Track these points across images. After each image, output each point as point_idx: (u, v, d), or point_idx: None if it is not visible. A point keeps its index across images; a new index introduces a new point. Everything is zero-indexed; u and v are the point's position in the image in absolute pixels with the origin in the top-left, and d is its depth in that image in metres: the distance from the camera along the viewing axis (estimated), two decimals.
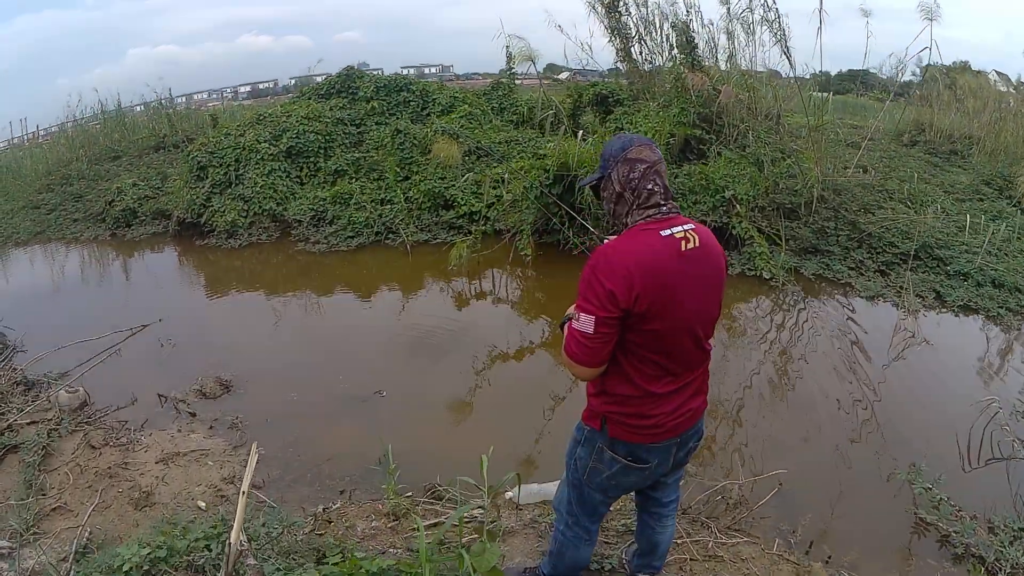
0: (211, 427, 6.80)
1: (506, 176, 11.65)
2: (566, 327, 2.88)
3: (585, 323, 2.68)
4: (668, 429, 2.93)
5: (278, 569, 4.11)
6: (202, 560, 4.13)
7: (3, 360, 8.46)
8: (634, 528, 3.95)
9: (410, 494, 5.43)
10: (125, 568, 3.97)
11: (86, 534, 5.01)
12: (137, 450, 6.35)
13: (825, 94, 14.67)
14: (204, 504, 5.53)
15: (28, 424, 6.83)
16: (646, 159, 2.77)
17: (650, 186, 2.76)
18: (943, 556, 4.60)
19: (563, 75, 20.40)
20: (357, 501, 5.47)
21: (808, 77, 13.45)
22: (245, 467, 6.17)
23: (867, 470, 5.63)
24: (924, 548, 4.69)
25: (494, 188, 12.02)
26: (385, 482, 5.31)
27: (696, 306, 2.79)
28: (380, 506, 5.26)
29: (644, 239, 2.71)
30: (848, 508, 5.10)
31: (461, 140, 14.32)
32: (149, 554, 4.05)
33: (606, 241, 2.86)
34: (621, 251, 2.69)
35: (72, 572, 4.44)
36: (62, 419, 6.87)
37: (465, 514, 4.34)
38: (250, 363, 8.16)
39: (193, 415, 7.02)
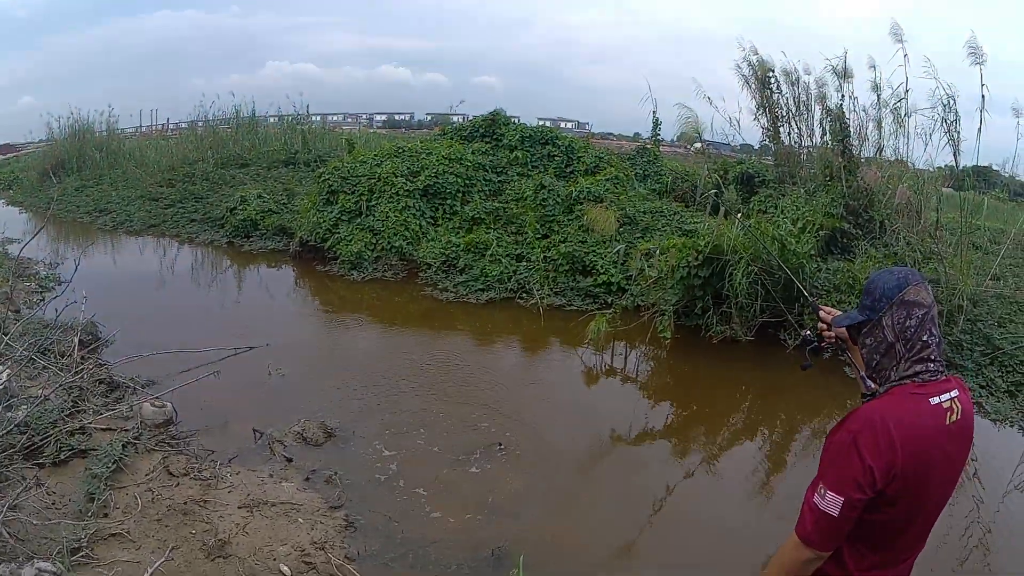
0: (307, 478, 6.33)
1: (657, 252, 11.40)
2: (805, 500, 2.53)
3: (831, 503, 2.38)
4: None
5: None
6: None
7: (89, 352, 8.24)
8: None
9: None
10: None
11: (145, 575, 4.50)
12: (220, 488, 5.92)
13: (968, 193, 13.95)
14: (288, 570, 5.01)
15: (103, 430, 6.52)
16: (923, 302, 2.50)
17: (925, 337, 2.47)
18: None
19: (695, 146, 20.22)
20: None
21: (933, 170, 13.14)
22: (339, 533, 5.79)
23: None
24: None
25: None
26: None
27: (940, 490, 2.54)
28: None
29: (914, 406, 2.42)
30: None
31: (614, 206, 14.08)
32: None
33: (864, 398, 2.61)
34: (890, 421, 2.37)
35: None
36: (141, 433, 6.54)
37: None
38: (360, 411, 7.79)
39: (289, 460, 6.58)
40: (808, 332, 3.17)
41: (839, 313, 2.99)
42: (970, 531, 6.12)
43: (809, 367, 3.19)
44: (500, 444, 7.05)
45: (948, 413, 2.44)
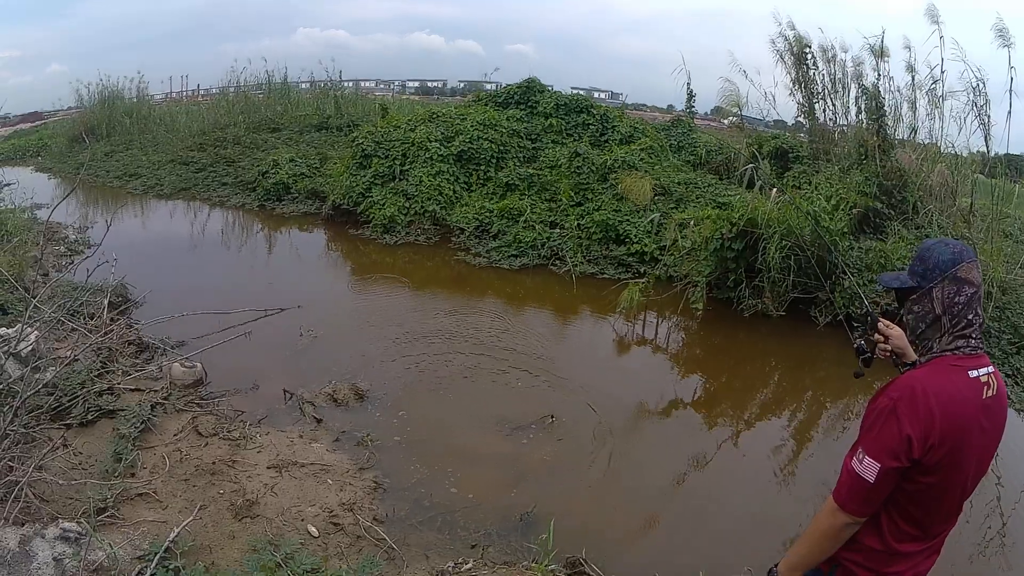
0: (337, 439, 6.30)
1: (691, 223, 11.34)
2: (843, 464, 2.60)
3: (867, 469, 2.46)
4: None
5: None
6: None
7: (118, 313, 8.25)
8: None
9: (552, 567, 4.78)
10: None
11: (172, 534, 4.49)
12: (249, 448, 5.90)
13: (999, 180, 13.81)
14: (316, 530, 4.98)
15: (131, 391, 6.52)
16: (974, 281, 2.56)
17: (970, 316, 2.55)
18: None
19: (730, 119, 20.05)
20: (490, 561, 4.89)
21: (966, 155, 13.26)
22: (368, 494, 5.74)
23: None
24: None
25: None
26: (528, 544, 5.02)
27: (976, 464, 2.59)
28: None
29: (953, 378, 2.51)
30: None
31: (648, 176, 14.00)
32: None
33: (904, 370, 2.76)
34: (930, 390, 2.44)
35: None
36: (170, 394, 6.55)
37: None
38: (391, 374, 7.75)
39: (319, 421, 6.55)
40: (861, 343, 3.18)
41: (897, 330, 3.02)
42: (988, 520, 6.03)
43: (861, 375, 3.21)
44: (551, 416, 6.94)
45: (985, 387, 2.51)
